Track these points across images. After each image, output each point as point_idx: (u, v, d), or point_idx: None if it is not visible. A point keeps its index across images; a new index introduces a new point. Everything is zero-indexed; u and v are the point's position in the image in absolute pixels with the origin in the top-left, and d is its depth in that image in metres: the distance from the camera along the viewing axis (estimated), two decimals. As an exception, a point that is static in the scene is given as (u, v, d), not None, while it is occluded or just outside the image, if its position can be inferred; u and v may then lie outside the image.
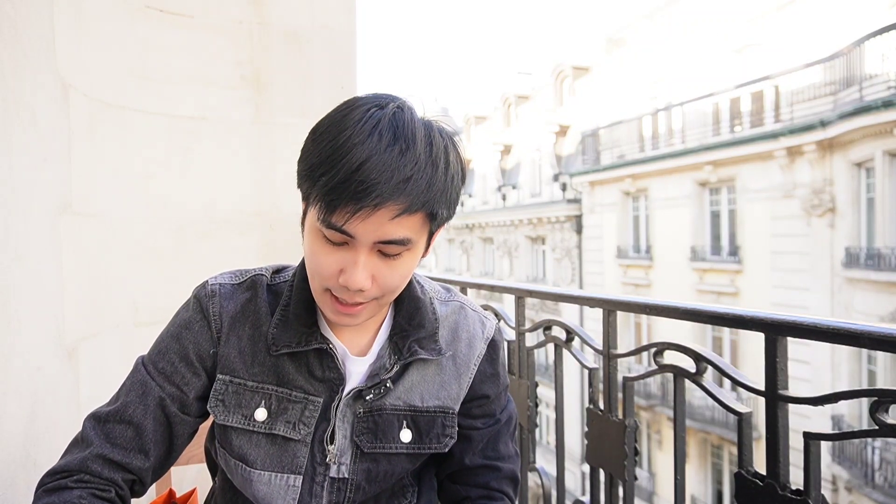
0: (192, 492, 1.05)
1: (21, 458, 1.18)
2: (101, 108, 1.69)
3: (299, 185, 0.79)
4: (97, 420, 0.85)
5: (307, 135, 0.78)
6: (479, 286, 2.02)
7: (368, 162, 0.69)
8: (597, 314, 1.50)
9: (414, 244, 0.77)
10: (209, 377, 0.88)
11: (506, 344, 1.81)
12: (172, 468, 1.35)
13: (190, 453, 1.38)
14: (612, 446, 1.43)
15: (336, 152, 0.70)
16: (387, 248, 0.75)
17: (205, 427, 1.35)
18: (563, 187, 18.24)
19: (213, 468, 1.03)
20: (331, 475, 0.88)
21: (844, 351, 10.00)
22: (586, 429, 1.54)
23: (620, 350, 1.45)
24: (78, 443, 0.84)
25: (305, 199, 0.78)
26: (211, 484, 1.05)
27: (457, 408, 0.94)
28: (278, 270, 0.95)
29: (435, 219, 0.77)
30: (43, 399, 1.29)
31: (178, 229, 1.95)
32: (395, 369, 0.88)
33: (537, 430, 1.82)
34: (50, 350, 1.35)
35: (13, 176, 1.17)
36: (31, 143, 1.25)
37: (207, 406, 0.87)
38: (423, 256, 0.84)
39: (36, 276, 1.28)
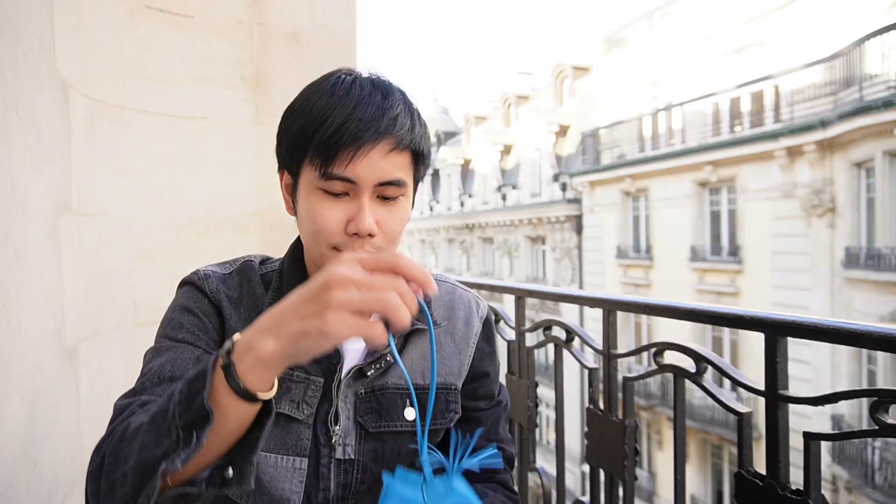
0: None
1: (21, 458, 1.18)
2: (101, 109, 1.69)
3: (284, 162, 0.85)
4: (132, 393, 0.78)
5: (281, 119, 0.84)
6: (479, 286, 2.02)
7: (359, 105, 0.77)
8: (597, 314, 1.50)
9: (407, 188, 0.83)
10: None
11: (503, 339, 1.80)
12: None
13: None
14: (612, 446, 1.43)
15: (325, 108, 0.78)
16: (386, 191, 0.81)
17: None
18: (563, 187, 18.23)
19: None
20: (336, 456, 0.88)
21: (844, 351, 10.00)
22: (586, 429, 1.53)
23: (620, 350, 1.45)
24: (114, 420, 0.75)
25: (296, 167, 0.83)
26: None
27: (459, 384, 0.96)
28: (263, 261, 0.96)
29: (419, 160, 0.84)
30: (43, 399, 1.29)
31: (178, 229, 1.95)
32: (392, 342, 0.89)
33: (537, 430, 1.82)
34: (50, 350, 1.35)
35: (13, 176, 1.17)
36: (31, 143, 1.25)
37: None
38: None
39: (36, 276, 1.28)
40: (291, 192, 0.86)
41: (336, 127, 0.76)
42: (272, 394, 0.62)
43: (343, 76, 0.82)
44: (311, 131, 0.78)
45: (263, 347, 0.59)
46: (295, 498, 0.87)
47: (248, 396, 0.59)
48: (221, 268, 0.93)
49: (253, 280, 0.91)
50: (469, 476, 1.00)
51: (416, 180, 0.87)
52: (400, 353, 0.92)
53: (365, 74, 0.83)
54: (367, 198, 0.79)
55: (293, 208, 0.87)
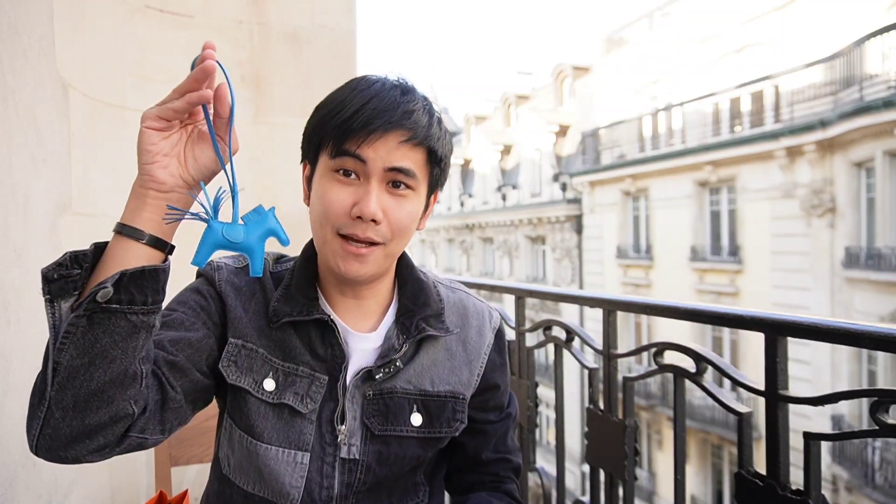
0: (184, 494, 1.05)
1: (21, 457, 1.18)
2: (101, 108, 1.69)
3: (304, 152, 0.88)
4: None
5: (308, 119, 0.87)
6: (479, 286, 2.02)
7: (376, 97, 0.81)
8: (597, 314, 1.50)
9: (418, 184, 0.85)
10: (218, 337, 0.87)
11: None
12: (172, 468, 1.35)
13: (189, 453, 1.38)
14: (612, 446, 1.43)
15: (346, 99, 0.82)
16: (395, 177, 0.82)
17: (203, 427, 1.35)
18: (563, 187, 18.22)
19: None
20: (341, 455, 0.89)
21: (844, 351, 9.99)
22: (586, 429, 1.53)
23: (620, 350, 1.45)
24: None
25: (313, 154, 0.86)
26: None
27: (468, 394, 0.96)
28: (278, 259, 0.98)
29: (435, 159, 0.85)
30: (43, 399, 1.29)
31: (178, 229, 1.95)
32: (404, 348, 0.90)
33: (537, 430, 1.82)
34: (50, 350, 1.35)
35: (13, 176, 1.17)
36: (31, 143, 1.25)
37: (220, 365, 0.86)
38: (423, 218, 0.89)
39: (36, 276, 1.27)
40: (309, 181, 0.89)
41: (351, 114, 0.80)
42: (153, 227, 0.74)
43: (369, 76, 0.85)
44: (329, 119, 0.82)
45: (133, 191, 0.73)
46: (295, 493, 0.87)
47: (134, 233, 0.72)
48: (234, 261, 0.94)
49: (263, 276, 0.92)
50: (475, 486, 1.01)
51: (432, 183, 0.88)
52: (409, 360, 0.93)
53: (392, 78, 0.86)
54: (375, 183, 0.81)
55: (308, 197, 0.89)
